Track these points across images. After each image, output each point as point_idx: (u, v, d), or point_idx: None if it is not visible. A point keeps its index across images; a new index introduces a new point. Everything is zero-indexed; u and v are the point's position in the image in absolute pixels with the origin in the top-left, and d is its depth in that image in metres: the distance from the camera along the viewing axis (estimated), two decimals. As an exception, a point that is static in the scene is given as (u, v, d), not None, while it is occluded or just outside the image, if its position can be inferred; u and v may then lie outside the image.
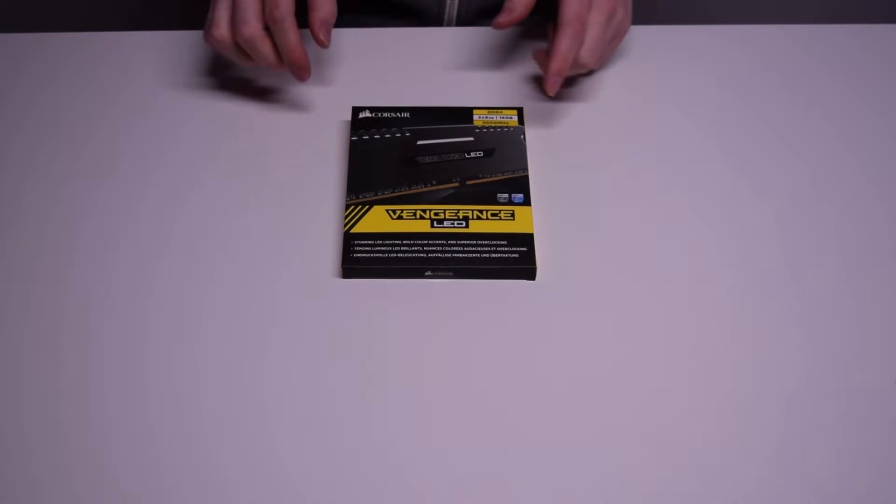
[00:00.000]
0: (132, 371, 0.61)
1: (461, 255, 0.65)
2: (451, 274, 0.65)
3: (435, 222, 0.67)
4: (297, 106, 0.77)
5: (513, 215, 0.67)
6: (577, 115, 0.77)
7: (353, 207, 0.68)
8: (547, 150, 0.74)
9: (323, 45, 0.69)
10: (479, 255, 0.65)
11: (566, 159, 0.74)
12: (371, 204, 0.68)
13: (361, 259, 0.65)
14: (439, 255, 0.65)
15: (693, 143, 0.75)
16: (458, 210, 0.67)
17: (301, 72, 0.70)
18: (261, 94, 0.78)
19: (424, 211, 0.67)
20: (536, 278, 0.65)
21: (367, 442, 0.57)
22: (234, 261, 0.66)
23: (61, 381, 0.60)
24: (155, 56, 0.82)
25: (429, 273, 0.65)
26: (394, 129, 0.73)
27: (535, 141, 0.75)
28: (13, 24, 1.63)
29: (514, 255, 0.65)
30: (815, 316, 0.64)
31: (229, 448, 0.57)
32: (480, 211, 0.67)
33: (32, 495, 0.55)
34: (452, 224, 0.66)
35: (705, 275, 0.66)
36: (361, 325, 0.63)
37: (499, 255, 0.65)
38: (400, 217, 0.67)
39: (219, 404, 0.59)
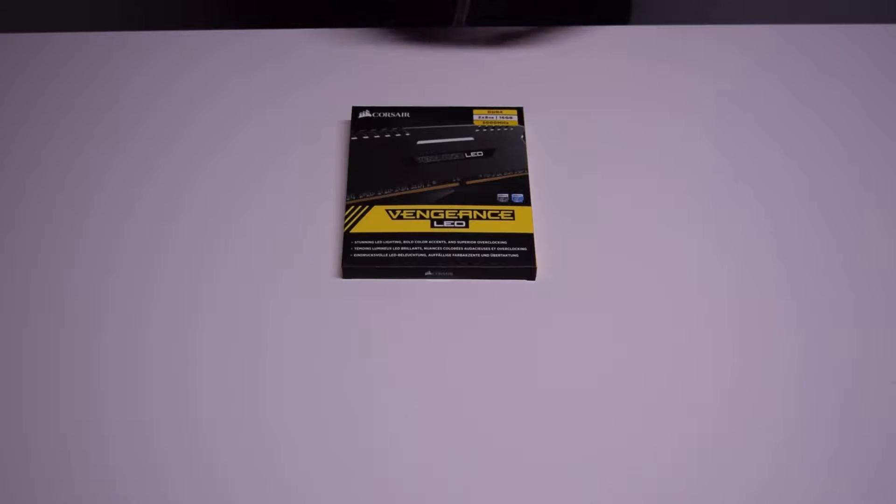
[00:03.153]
0: (132, 370, 0.61)
1: (461, 254, 0.65)
2: (451, 274, 0.65)
3: (435, 222, 0.67)
4: (297, 106, 0.77)
5: (513, 215, 0.67)
6: (577, 115, 0.77)
7: (353, 207, 0.67)
8: (547, 150, 0.74)
9: None
10: (479, 254, 0.65)
11: (566, 159, 0.73)
12: (371, 204, 0.68)
13: (361, 259, 0.65)
14: (439, 254, 0.65)
15: (693, 143, 0.75)
16: (458, 210, 0.67)
17: None
18: (261, 94, 0.78)
19: (424, 211, 0.67)
20: (536, 278, 0.65)
21: (366, 441, 0.57)
22: (234, 261, 0.66)
23: (61, 380, 0.60)
24: (155, 56, 0.82)
25: (429, 273, 0.65)
26: (394, 129, 0.73)
27: (536, 141, 0.75)
28: (13, 24, 1.63)
29: (513, 255, 0.65)
30: (813, 314, 0.64)
31: (228, 447, 0.57)
32: (480, 211, 0.67)
33: (31, 495, 0.55)
34: (452, 224, 0.66)
35: (704, 275, 0.66)
36: (361, 325, 0.63)
37: (499, 255, 0.65)
38: (400, 217, 0.67)
39: (218, 404, 0.59)
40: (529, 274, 0.65)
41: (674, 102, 0.78)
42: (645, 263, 0.67)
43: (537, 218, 0.69)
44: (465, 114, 0.74)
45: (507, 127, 0.73)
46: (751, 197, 0.71)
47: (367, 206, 0.68)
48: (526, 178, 0.69)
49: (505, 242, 0.65)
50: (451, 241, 0.65)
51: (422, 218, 0.67)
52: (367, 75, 0.79)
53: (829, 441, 0.58)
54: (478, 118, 0.74)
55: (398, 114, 0.74)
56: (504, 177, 0.70)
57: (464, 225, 0.66)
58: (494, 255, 0.65)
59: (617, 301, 0.64)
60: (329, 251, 0.67)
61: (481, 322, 0.63)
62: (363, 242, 0.65)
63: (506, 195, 0.68)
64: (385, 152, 0.71)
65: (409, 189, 0.69)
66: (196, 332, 0.62)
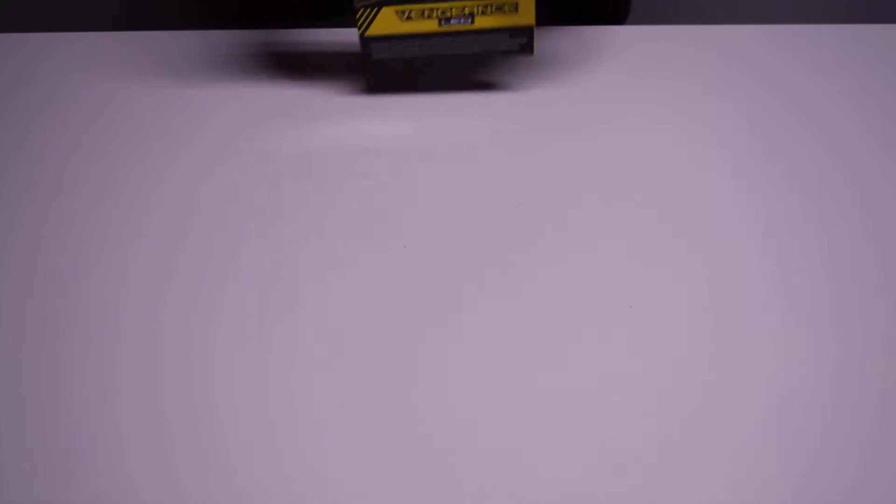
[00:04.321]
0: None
1: (468, 48, 0.72)
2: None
3: (442, 20, 0.71)
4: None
5: (516, 8, 0.71)
6: (574, 116, 0.77)
7: (362, 11, 0.71)
8: (544, 150, 0.74)
9: None
10: (484, 46, 0.72)
11: (562, 160, 0.74)
12: (379, 5, 0.71)
13: (381, 61, 0.72)
14: (447, 52, 0.72)
15: (691, 142, 0.75)
16: (465, 6, 0.71)
17: None
18: (262, 95, 0.78)
19: (432, 10, 0.71)
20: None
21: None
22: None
23: (68, 374, 0.60)
24: (155, 56, 0.82)
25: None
26: None
27: (536, 141, 0.75)
28: (13, 24, 1.63)
29: (516, 40, 0.72)
30: (815, 314, 0.64)
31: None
32: (485, 6, 0.71)
33: (39, 494, 0.55)
34: (459, 21, 0.71)
35: (704, 273, 0.66)
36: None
37: (503, 45, 0.72)
38: (409, 17, 0.71)
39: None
40: (528, 50, 0.73)
41: (672, 102, 0.78)
42: (645, 263, 0.67)
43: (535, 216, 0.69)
44: None
45: None
46: (748, 196, 0.71)
47: (375, 9, 0.71)
48: None
49: (507, 35, 0.72)
50: (459, 39, 0.72)
51: (429, 17, 0.71)
52: None
53: (830, 441, 0.58)
54: None
55: None
56: None
57: (470, 21, 0.71)
58: (499, 46, 0.73)
59: (611, 303, 0.64)
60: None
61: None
62: (379, 44, 0.71)
63: None
64: None
65: None
66: (200, 329, 0.62)
